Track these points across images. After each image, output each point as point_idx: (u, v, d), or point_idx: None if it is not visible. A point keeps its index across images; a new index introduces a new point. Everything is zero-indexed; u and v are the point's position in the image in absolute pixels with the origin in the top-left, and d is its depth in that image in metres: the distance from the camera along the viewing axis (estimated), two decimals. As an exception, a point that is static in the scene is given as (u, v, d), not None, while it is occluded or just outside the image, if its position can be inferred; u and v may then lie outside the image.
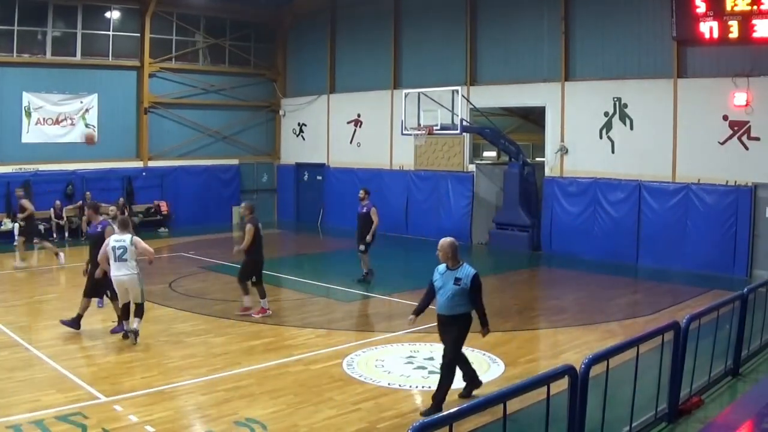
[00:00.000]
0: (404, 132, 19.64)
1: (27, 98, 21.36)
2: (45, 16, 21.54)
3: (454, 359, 7.80)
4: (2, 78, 20.88)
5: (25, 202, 16.58)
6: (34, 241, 17.55)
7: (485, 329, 7.99)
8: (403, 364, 9.58)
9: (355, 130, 24.50)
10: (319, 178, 25.74)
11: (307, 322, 12.08)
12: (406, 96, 19.61)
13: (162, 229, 23.27)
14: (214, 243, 20.68)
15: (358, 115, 24.34)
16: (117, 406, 7.84)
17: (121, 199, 22.36)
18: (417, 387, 8.68)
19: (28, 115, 21.47)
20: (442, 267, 7.87)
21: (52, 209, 21.18)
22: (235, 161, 25.99)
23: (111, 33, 22.97)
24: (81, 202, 21.31)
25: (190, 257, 18.47)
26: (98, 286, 11.02)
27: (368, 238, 14.62)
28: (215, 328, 11.44)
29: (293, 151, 26.81)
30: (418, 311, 8.09)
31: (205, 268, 16.94)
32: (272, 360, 9.74)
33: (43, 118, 21.72)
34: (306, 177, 26.48)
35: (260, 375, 9.12)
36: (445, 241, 7.87)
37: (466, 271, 7.72)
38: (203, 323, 11.73)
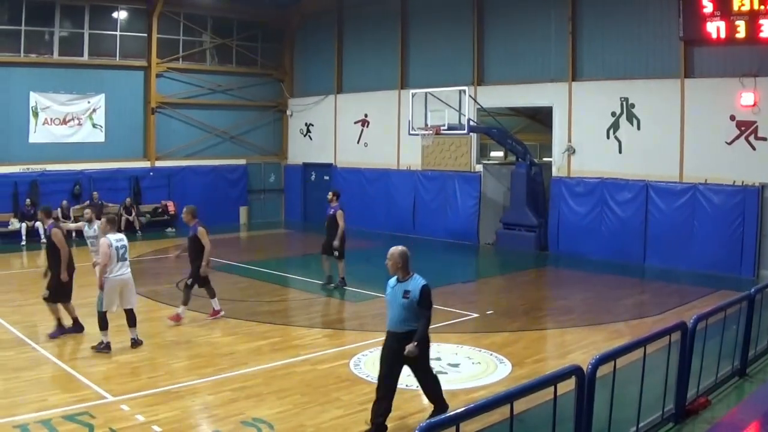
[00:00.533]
0: (411, 132, 19.66)
1: (34, 98, 21.45)
2: (52, 16, 21.63)
3: (429, 369, 7.48)
4: (9, 78, 20.96)
5: None
6: None
7: (412, 344, 6.94)
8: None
9: (362, 130, 24.51)
10: (327, 178, 25.73)
11: (314, 322, 12.12)
12: (413, 96, 19.62)
13: (169, 229, 23.35)
14: (221, 243, 20.64)
15: (366, 115, 24.34)
16: (124, 406, 7.87)
17: (128, 199, 22.49)
18: (423, 387, 8.66)
19: (36, 115, 21.56)
20: (392, 280, 7.26)
21: (59, 209, 21.20)
22: (242, 161, 26.05)
23: (118, 33, 23.06)
24: (88, 202, 21.38)
25: (197, 257, 18.44)
26: (67, 288, 10.65)
27: (335, 243, 14.24)
28: (222, 328, 11.48)
29: (300, 151, 26.84)
30: None
31: (212, 268, 16.88)
32: (279, 360, 9.76)
33: (51, 118, 21.81)
34: (313, 177, 26.49)
35: (267, 375, 9.13)
36: (395, 249, 7.21)
37: (416, 282, 7.09)
38: (210, 323, 11.76)
